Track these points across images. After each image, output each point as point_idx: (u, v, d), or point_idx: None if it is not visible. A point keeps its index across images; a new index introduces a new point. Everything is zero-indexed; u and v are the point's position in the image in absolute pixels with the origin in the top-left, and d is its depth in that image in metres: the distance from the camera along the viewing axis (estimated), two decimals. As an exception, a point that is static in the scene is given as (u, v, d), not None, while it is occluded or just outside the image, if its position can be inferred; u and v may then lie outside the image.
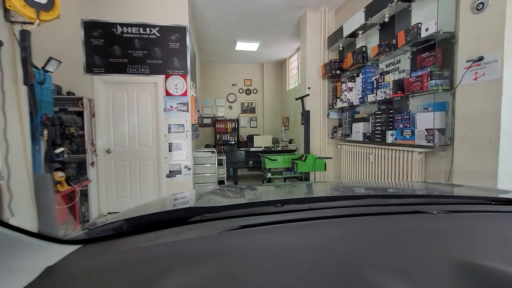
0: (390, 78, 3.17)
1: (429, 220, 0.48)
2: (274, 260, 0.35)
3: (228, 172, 6.01)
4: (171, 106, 3.89)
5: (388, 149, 3.11)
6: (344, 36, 3.99)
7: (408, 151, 2.83)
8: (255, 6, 4.62)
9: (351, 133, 3.95)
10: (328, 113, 4.56)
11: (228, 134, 8.25)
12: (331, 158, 4.20)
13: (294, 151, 6.24)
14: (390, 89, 3.11)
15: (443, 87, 2.44)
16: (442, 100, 2.54)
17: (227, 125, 8.23)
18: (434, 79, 2.47)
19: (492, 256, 0.36)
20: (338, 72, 4.19)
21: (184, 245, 0.41)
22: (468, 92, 2.11)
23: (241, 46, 6.54)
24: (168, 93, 3.87)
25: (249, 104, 8.65)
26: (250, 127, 8.67)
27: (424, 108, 2.70)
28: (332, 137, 4.59)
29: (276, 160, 4.70)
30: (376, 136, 3.27)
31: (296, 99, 4.70)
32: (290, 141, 7.29)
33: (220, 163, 6.50)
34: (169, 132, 3.91)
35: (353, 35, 3.92)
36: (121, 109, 3.84)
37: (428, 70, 2.55)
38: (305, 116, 4.52)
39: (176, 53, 3.87)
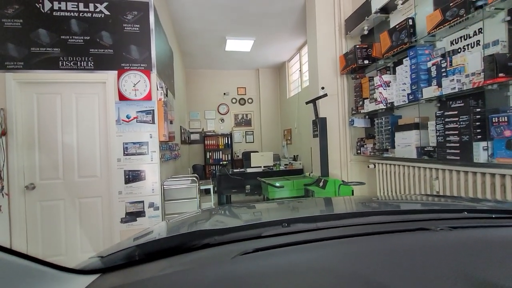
0: (464, 59, 1.98)
1: (432, 236, 0.49)
2: (288, 285, 0.37)
3: (219, 200, 4.69)
4: (127, 116, 2.63)
5: (477, 172, 1.86)
6: (373, 11, 2.85)
7: (526, 177, 1.58)
8: (247, -16, 3.51)
9: (392, 147, 2.71)
10: (352, 121, 3.34)
11: (220, 152, 6.98)
12: (363, 183, 2.93)
13: (301, 170, 4.97)
14: (468, 75, 1.91)
15: None
16: None
17: (218, 141, 6.97)
18: None
19: (494, 272, 0.35)
20: (365, 62, 3.01)
21: (200, 272, 0.42)
22: None
23: (232, 45, 5.42)
24: (122, 97, 2.62)
25: (244, 116, 7.45)
26: (246, 142, 7.43)
27: (561, 100, 1.49)
28: (358, 153, 3.34)
29: (282, 187, 3.42)
30: (449, 151, 2.03)
31: (307, 102, 3.50)
32: (295, 158, 6.04)
33: (208, 192, 5.18)
34: (125, 154, 2.63)
35: (387, 9, 2.79)
36: (51, 123, 2.56)
37: None
38: (321, 125, 3.30)
39: (135, 39, 2.66)
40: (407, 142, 2.48)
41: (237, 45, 5.46)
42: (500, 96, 1.81)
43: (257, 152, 6.21)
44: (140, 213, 2.66)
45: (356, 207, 0.90)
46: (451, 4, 1.99)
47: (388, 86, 2.74)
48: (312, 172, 4.09)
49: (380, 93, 2.77)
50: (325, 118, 3.32)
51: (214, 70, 7.26)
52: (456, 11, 1.95)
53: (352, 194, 3.00)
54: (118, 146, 2.61)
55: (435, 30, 2.14)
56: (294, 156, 6.11)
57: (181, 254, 0.50)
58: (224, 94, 7.34)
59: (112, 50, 2.61)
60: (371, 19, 2.95)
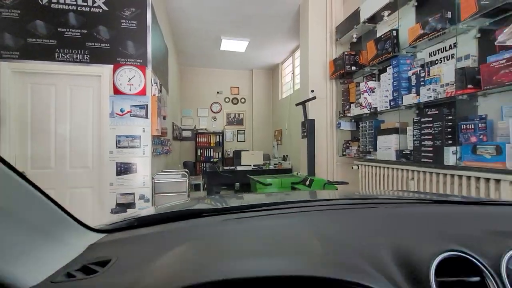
0: (440, 70, 2.16)
1: (374, 211, 0.61)
2: (261, 235, 0.48)
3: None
4: (121, 110, 2.69)
5: (447, 174, 2.03)
6: (361, 21, 3.01)
7: (488, 179, 1.75)
8: (243, -13, 3.62)
9: (375, 150, 2.88)
10: (339, 123, 3.50)
11: (211, 150, 7.05)
12: (347, 183, 3.09)
13: (290, 170, 5.11)
14: (442, 85, 2.08)
15: None
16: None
17: (210, 139, 7.04)
18: (551, 59, 1.44)
19: (403, 232, 0.48)
20: (353, 68, 3.17)
21: (191, 230, 0.53)
22: None
23: (227, 45, 5.51)
24: (117, 91, 2.68)
25: (236, 115, 7.55)
26: (237, 141, 7.53)
27: (518, 111, 1.66)
28: (344, 155, 3.50)
29: (270, 184, 3.54)
30: (424, 154, 2.20)
31: (297, 104, 3.64)
32: (284, 158, 6.17)
33: (198, 188, 5.26)
34: (117, 147, 2.69)
35: (374, 19, 2.95)
36: (44, 113, 2.59)
37: (528, 47, 1.53)
38: (309, 126, 3.44)
39: (131, 35, 2.73)
40: (387, 146, 2.65)
41: (232, 45, 5.55)
42: (470, 106, 1.99)
43: (248, 151, 6.31)
44: (131, 205, 2.72)
45: (325, 195, 1.03)
46: (430, 19, 2.15)
47: (373, 92, 2.90)
48: (300, 172, 4.23)
49: (365, 98, 2.93)
50: (314, 120, 3.46)
51: (209, 69, 7.33)
52: (434, 26, 2.12)
53: (336, 193, 3.15)
54: (111, 138, 2.67)
55: (415, 42, 2.31)
56: (284, 156, 6.25)
57: (177, 221, 0.60)
58: (218, 92, 7.41)
59: (108, 45, 2.67)
60: (360, 27, 3.11)
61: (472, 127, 1.86)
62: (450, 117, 2.03)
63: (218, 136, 7.10)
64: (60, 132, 2.62)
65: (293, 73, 6.20)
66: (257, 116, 7.55)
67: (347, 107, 3.37)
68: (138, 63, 2.74)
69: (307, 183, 3.25)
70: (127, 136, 2.70)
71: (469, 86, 1.85)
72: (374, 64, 2.88)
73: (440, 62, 2.26)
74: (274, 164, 5.54)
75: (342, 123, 3.48)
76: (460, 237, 0.43)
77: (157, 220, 0.62)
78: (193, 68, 7.23)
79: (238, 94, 7.58)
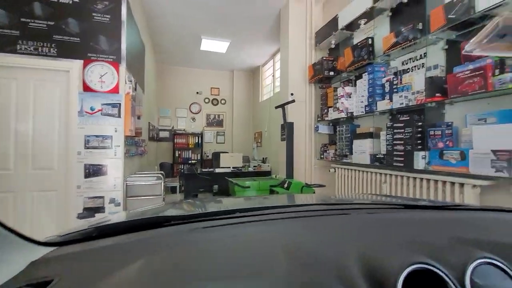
0: (411, 78, 2.26)
1: (347, 217, 0.62)
2: (229, 246, 0.45)
3: (186, 198, 4.64)
4: (91, 108, 2.53)
5: (417, 178, 2.12)
6: (339, 28, 3.09)
7: (453, 183, 1.86)
8: (225, -13, 3.58)
9: (351, 153, 2.95)
10: (317, 127, 3.56)
11: (190, 151, 6.89)
12: (324, 186, 3.14)
13: (269, 172, 5.12)
14: (413, 93, 2.18)
15: (525, 85, 1.54)
16: (506, 107, 1.64)
17: (188, 140, 6.89)
18: (509, 72, 1.56)
19: (373, 237, 0.49)
20: (331, 73, 3.24)
21: (155, 240, 0.48)
22: None
23: (207, 44, 5.43)
24: (87, 88, 2.52)
25: (216, 116, 7.45)
26: (217, 142, 7.43)
27: (480, 119, 1.78)
28: (321, 158, 3.56)
29: (249, 187, 3.51)
30: (396, 159, 2.29)
31: (276, 107, 3.65)
32: (264, 160, 6.18)
33: (174, 190, 5.11)
34: (86, 147, 2.53)
35: (351, 27, 3.04)
36: (3, 109, 2.38)
37: (489, 61, 1.64)
38: (288, 129, 3.46)
39: (104, 30, 2.58)
40: (362, 149, 2.73)
41: (213, 45, 5.48)
42: (438, 113, 2.10)
43: (227, 153, 6.25)
44: (100, 209, 2.57)
45: (301, 200, 1.02)
46: (402, 29, 2.25)
47: (350, 97, 2.98)
48: (278, 174, 4.24)
49: (342, 103, 3.00)
50: (293, 123, 3.49)
51: (188, 68, 7.18)
52: (407, 36, 2.22)
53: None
54: (79, 138, 2.50)
55: (389, 50, 2.40)
56: (263, 158, 6.26)
57: (141, 231, 0.55)
58: (197, 93, 7.28)
59: (78, 39, 2.51)
60: (338, 34, 3.19)
61: (440, 134, 1.96)
62: (420, 123, 2.13)
63: (197, 137, 6.96)
64: (22, 130, 2.41)
65: (273, 76, 6.25)
66: (237, 118, 7.50)
67: (325, 111, 3.43)
68: (111, 60, 2.60)
69: (286, 185, 3.26)
70: (97, 136, 2.54)
71: (437, 94, 1.96)
72: (351, 70, 2.96)
73: (411, 71, 2.37)
74: (254, 166, 5.52)
75: (320, 127, 3.54)
76: (427, 247, 0.43)
77: (118, 229, 0.57)
78: (172, 66, 7.05)
79: (219, 95, 7.50)
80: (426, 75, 2.10)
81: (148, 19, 4.45)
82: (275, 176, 4.20)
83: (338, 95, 3.08)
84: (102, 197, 2.57)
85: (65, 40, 2.48)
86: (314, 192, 3.19)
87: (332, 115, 3.23)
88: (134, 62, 3.22)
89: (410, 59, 2.39)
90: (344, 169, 3.08)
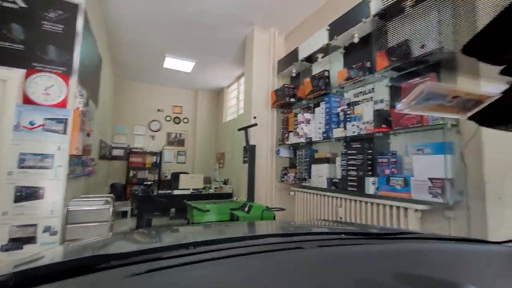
0: (361, 110, 2.49)
1: (303, 253, 0.60)
2: None
3: (138, 224, 4.26)
4: (31, 123, 2.25)
5: (368, 202, 2.26)
6: (299, 59, 3.32)
7: (398, 207, 2.01)
8: (193, 12, 3.64)
9: (309, 177, 3.06)
10: (278, 150, 3.65)
11: (147, 171, 6.47)
12: (284, 209, 3.16)
13: (230, 194, 5.02)
14: (364, 123, 2.39)
15: (452, 122, 1.79)
16: (439, 139, 1.88)
17: (145, 159, 6.49)
18: (439, 110, 1.80)
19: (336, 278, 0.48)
20: (292, 100, 3.41)
21: None
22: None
23: (171, 63, 5.36)
24: (28, 100, 2.25)
25: (178, 135, 7.21)
26: (177, 162, 7.13)
27: (419, 150, 2.00)
28: (282, 181, 3.62)
29: (208, 211, 3.37)
30: (350, 184, 2.43)
31: (239, 129, 3.68)
32: (225, 182, 6.07)
33: (122, 215, 4.68)
34: (20, 167, 2.20)
35: (310, 59, 3.29)
36: None
37: (423, 99, 1.89)
38: (250, 152, 3.48)
39: (55, 40, 2.39)
40: (320, 174, 2.85)
41: (177, 64, 5.42)
42: (384, 142, 2.31)
43: (188, 173, 6.02)
44: (30, 239, 2.20)
45: (256, 230, 1.00)
46: (353, 66, 2.50)
47: (309, 123, 3.14)
48: (240, 197, 4.18)
49: (302, 128, 3.15)
50: (255, 145, 3.53)
51: (150, 85, 6.94)
52: (357, 72, 2.47)
53: (274, 219, 3.19)
54: (11, 156, 2.18)
55: (343, 83, 2.63)
56: (225, 180, 6.15)
57: (65, 279, 0.47)
58: (158, 110, 7.02)
59: (22, 46, 2.27)
60: (298, 64, 3.42)
61: (386, 161, 2.15)
62: (370, 151, 2.31)
63: (155, 157, 6.60)
64: None
65: (238, 98, 6.36)
66: (200, 138, 7.36)
67: (286, 135, 3.56)
68: (61, 71, 2.39)
69: (246, 209, 3.21)
70: (35, 155, 2.24)
71: (383, 125, 2.17)
72: (310, 98, 3.16)
73: (362, 103, 2.61)
74: (215, 187, 5.37)
75: (281, 150, 3.64)
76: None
77: (35, 277, 0.47)
78: (132, 82, 6.75)
79: (181, 113, 7.32)
80: (374, 108, 2.33)
81: (109, 32, 4.27)
82: (236, 199, 4.12)
83: (298, 121, 3.24)
84: (35, 225, 2.22)
85: (5, 46, 2.22)
86: (274, 216, 3.19)
87: (293, 139, 3.35)
88: (88, 76, 3.01)
89: (360, 92, 2.64)
90: (303, 192, 3.16)
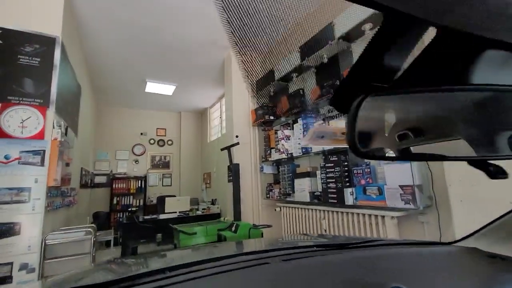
0: (335, 124, 2.63)
1: (268, 268, 0.64)
2: None
3: (123, 253, 4.11)
4: (6, 157, 2.21)
5: (348, 212, 2.34)
6: (276, 79, 3.48)
7: (376, 215, 2.10)
8: (170, 37, 3.78)
9: (293, 192, 3.12)
10: (262, 167, 3.72)
11: (131, 197, 6.31)
12: (271, 226, 3.18)
13: (218, 215, 4.97)
14: (339, 137, 2.52)
15: (414, 132, 1.93)
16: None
17: (130, 185, 6.34)
18: (402, 122, 1.95)
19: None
20: (271, 118, 3.54)
21: None
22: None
23: (152, 87, 5.42)
24: (3, 134, 2.22)
25: (162, 158, 7.15)
26: (163, 185, 7.01)
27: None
28: (268, 197, 3.66)
29: (195, 233, 3.33)
30: (330, 196, 2.51)
31: (222, 149, 3.74)
32: (213, 202, 6.01)
33: (104, 245, 4.51)
34: (-6, 203, 2.13)
35: (286, 79, 3.46)
36: None
37: (388, 112, 2.04)
38: (234, 170, 3.53)
39: (31, 73, 2.41)
40: (302, 188, 2.92)
41: (158, 88, 5.50)
42: (359, 154, 2.43)
43: (174, 196, 5.92)
44: (6, 279, 2.09)
45: (231, 250, 1.04)
46: (325, 84, 2.67)
47: (289, 139, 3.25)
48: (227, 217, 4.15)
49: (283, 144, 3.25)
50: (238, 164, 3.58)
51: (131, 109, 6.94)
52: (328, 90, 2.63)
53: (262, 236, 3.19)
54: (-16, 193, 2.11)
55: (316, 100, 2.78)
56: (213, 200, 6.09)
57: None
58: (142, 134, 6.97)
59: (-3, 80, 2.27)
60: (275, 84, 3.58)
61: (361, 172, 2.26)
62: (345, 163, 2.42)
63: (140, 181, 6.47)
64: None
65: (221, 117, 6.45)
66: (185, 159, 7.32)
67: (269, 152, 3.64)
68: (37, 103, 2.39)
69: (233, 229, 3.20)
70: (10, 189, 2.19)
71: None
72: (288, 116, 3.29)
73: (336, 118, 2.75)
74: (203, 209, 5.31)
75: (264, 167, 3.70)
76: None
77: None
78: (113, 108, 6.72)
79: (165, 136, 7.30)
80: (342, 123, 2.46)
81: (87, 60, 4.31)
82: (224, 219, 4.09)
83: (279, 137, 3.34)
84: (10, 264, 2.12)
85: (-21, 82, 2.21)
86: (262, 233, 3.19)
87: (275, 155, 3.44)
88: (66, 106, 3.01)
89: (333, 108, 2.79)
90: (288, 207, 3.20)
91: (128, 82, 5.25)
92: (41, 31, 2.48)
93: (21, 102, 2.33)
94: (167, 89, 5.58)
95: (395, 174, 1.97)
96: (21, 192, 2.22)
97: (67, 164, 2.94)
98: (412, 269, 0.64)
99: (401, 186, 1.92)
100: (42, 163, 2.32)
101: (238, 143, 3.46)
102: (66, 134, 2.88)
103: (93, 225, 2.74)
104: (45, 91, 2.45)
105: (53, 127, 2.45)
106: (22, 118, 2.30)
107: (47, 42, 2.51)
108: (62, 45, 2.65)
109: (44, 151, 2.34)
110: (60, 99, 2.64)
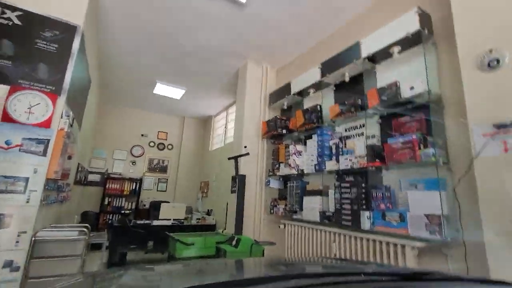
0: (353, 144, 2.56)
1: None
2: None
3: (110, 258, 3.86)
4: (7, 142, 2.06)
5: (363, 238, 2.21)
6: (292, 93, 3.44)
7: (396, 244, 1.98)
8: (188, 42, 3.75)
9: (300, 209, 2.99)
10: (268, 181, 3.59)
11: (124, 199, 6.06)
12: (274, 244, 3.02)
13: (214, 226, 4.77)
14: (356, 157, 2.44)
15: (443, 159, 1.87)
16: (431, 176, 1.94)
17: (124, 186, 6.11)
18: (430, 148, 1.89)
19: None
20: (283, 131, 3.46)
21: None
22: (496, 167, 1.51)
23: (161, 89, 5.35)
24: (7, 118, 2.09)
25: (160, 162, 6.96)
26: (157, 190, 6.78)
27: (412, 185, 2.04)
28: (271, 213, 3.51)
29: (193, 244, 3.14)
30: (344, 218, 2.39)
31: (229, 158, 3.62)
32: (208, 212, 5.80)
33: (96, 247, 4.25)
34: (-14, 190, 1.96)
35: (301, 93, 3.42)
36: None
37: (414, 136, 1.98)
38: (240, 182, 3.40)
39: (47, 58, 2.31)
40: (312, 206, 2.80)
41: (168, 91, 5.43)
42: (377, 176, 2.35)
43: (168, 202, 5.69)
44: (-15, 277, 1.88)
45: (264, 271, 0.91)
46: (346, 102, 2.62)
47: (300, 155, 3.16)
48: (225, 229, 3.97)
49: (294, 160, 3.15)
50: (245, 175, 3.46)
51: (135, 110, 6.82)
52: (349, 108, 2.58)
53: (263, 254, 3.01)
54: (-23, 178, 1.94)
55: (335, 118, 2.73)
56: (208, 210, 5.88)
57: None
58: (142, 135, 6.82)
59: (10, 62, 2.17)
60: (290, 97, 3.54)
61: (381, 195, 2.16)
62: (363, 185, 2.33)
63: (134, 183, 6.24)
64: None
65: (226, 127, 6.37)
66: (183, 165, 7.14)
67: (277, 166, 3.53)
68: (49, 90, 2.27)
69: (234, 243, 3.03)
70: (6, 177, 2.02)
71: (377, 160, 2.22)
72: (301, 131, 3.22)
73: (353, 137, 2.69)
74: (197, 218, 5.09)
75: (271, 181, 3.58)
76: None
77: None
78: (116, 106, 6.60)
79: (166, 139, 7.16)
80: (367, 143, 2.40)
81: (99, 53, 4.24)
82: (222, 231, 3.90)
83: (290, 152, 3.25)
84: (-8, 260, 1.92)
85: (-8, 61, 2.10)
86: (263, 251, 3.02)
87: (284, 170, 3.33)
88: (76, 97, 2.89)
89: (351, 127, 2.74)
90: (294, 225, 3.06)
91: (137, 82, 5.17)
92: (63, 18, 2.40)
93: (32, 86, 2.21)
94: (175, 93, 5.51)
95: (421, 202, 1.88)
96: (17, 182, 2.06)
97: (69, 157, 2.78)
98: None
99: (427, 215, 1.82)
100: (44, 153, 2.17)
101: (248, 154, 3.36)
102: (71, 125, 2.75)
103: (87, 225, 2.54)
104: (59, 79, 2.34)
105: (61, 117, 2.32)
106: (30, 104, 2.18)
107: (68, 30, 2.43)
108: (82, 35, 2.57)
109: (48, 140, 2.20)
110: (71, 89, 2.52)
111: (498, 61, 1.57)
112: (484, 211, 1.51)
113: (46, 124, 2.21)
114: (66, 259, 2.23)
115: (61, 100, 2.34)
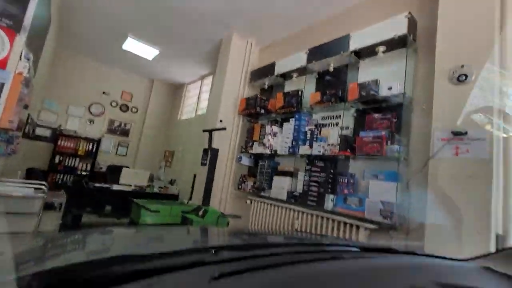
0: (328, 132, 2.73)
1: (343, 263, 0.61)
2: None
3: (64, 220, 3.63)
4: (-51, 79, 1.74)
5: (324, 217, 2.45)
6: (275, 74, 3.45)
7: (352, 224, 2.25)
8: (172, -2, 3.43)
9: (269, 188, 3.15)
10: (240, 157, 3.65)
11: (78, 159, 5.61)
12: (240, 217, 3.15)
13: (177, 196, 4.75)
14: (329, 145, 2.62)
15: (404, 155, 2.12)
16: (391, 169, 2.20)
17: (79, 145, 5.63)
18: (396, 144, 2.12)
19: None
20: (262, 111, 3.49)
21: None
22: (447, 168, 1.78)
23: (131, 45, 4.88)
24: (-50, 50, 1.74)
25: (122, 124, 6.51)
26: (116, 154, 6.40)
27: (374, 175, 2.29)
28: (239, 188, 3.62)
29: (158, 212, 3.13)
30: (310, 198, 2.59)
31: (204, 130, 3.55)
32: (171, 182, 5.71)
33: (51, 206, 3.96)
34: None
35: (284, 76, 3.45)
36: None
37: (384, 132, 2.20)
38: (212, 156, 3.39)
39: (5, -15, 1.93)
40: (281, 186, 2.96)
41: (138, 48, 4.97)
42: (345, 164, 2.57)
43: (128, 167, 5.44)
44: None
45: (273, 239, 0.99)
46: (327, 92, 2.74)
47: (276, 136, 3.26)
48: (191, 200, 3.99)
49: (269, 140, 3.24)
50: (218, 149, 3.46)
51: (98, 63, 6.14)
52: (329, 98, 2.71)
53: (227, 226, 3.14)
54: None
55: (314, 105, 2.84)
56: (171, 180, 5.78)
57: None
58: (104, 93, 6.23)
59: (-45, -20, 1.77)
60: (272, 78, 3.55)
61: (346, 182, 2.39)
62: (332, 171, 2.53)
63: (91, 144, 5.78)
64: None
65: (199, 97, 6.15)
66: (147, 131, 6.79)
67: (250, 144, 3.59)
68: (5, 25, 1.93)
69: (201, 213, 3.09)
70: None
71: (348, 150, 2.42)
72: (280, 113, 3.29)
73: (328, 126, 2.85)
74: (159, 187, 5.00)
75: (243, 158, 3.65)
76: None
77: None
78: (76, 56, 5.86)
79: (130, 101, 6.66)
80: (341, 133, 2.58)
81: (63, -7, 3.65)
82: (187, 202, 3.92)
83: (266, 133, 3.32)
84: None
85: None
86: (228, 223, 3.15)
87: (257, 149, 3.41)
88: (35, 38, 2.50)
89: (328, 116, 2.89)
90: (260, 202, 3.21)
91: (105, 31, 4.62)
92: None
93: (-16, 16, 1.86)
94: (148, 52, 5.08)
95: (379, 190, 2.14)
96: (-38, 127, 1.78)
97: (26, 107, 2.46)
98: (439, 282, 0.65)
99: (383, 202, 2.08)
100: (-3, 98, 1.89)
101: (225, 128, 3.34)
102: (29, 70, 2.40)
103: (44, 182, 2.33)
104: (18, 13, 1.99)
105: (20, 59, 2.02)
106: (-19, 37, 1.84)
107: (33, -45, 2.04)
108: (50, -35, 2.19)
109: (3, 84, 1.91)
110: (32, 29, 2.18)
111: (466, 76, 1.79)
112: (431, 204, 1.79)
113: (1, 64, 1.90)
114: (20, 217, 2.06)
115: (21, 38, 2.02)
